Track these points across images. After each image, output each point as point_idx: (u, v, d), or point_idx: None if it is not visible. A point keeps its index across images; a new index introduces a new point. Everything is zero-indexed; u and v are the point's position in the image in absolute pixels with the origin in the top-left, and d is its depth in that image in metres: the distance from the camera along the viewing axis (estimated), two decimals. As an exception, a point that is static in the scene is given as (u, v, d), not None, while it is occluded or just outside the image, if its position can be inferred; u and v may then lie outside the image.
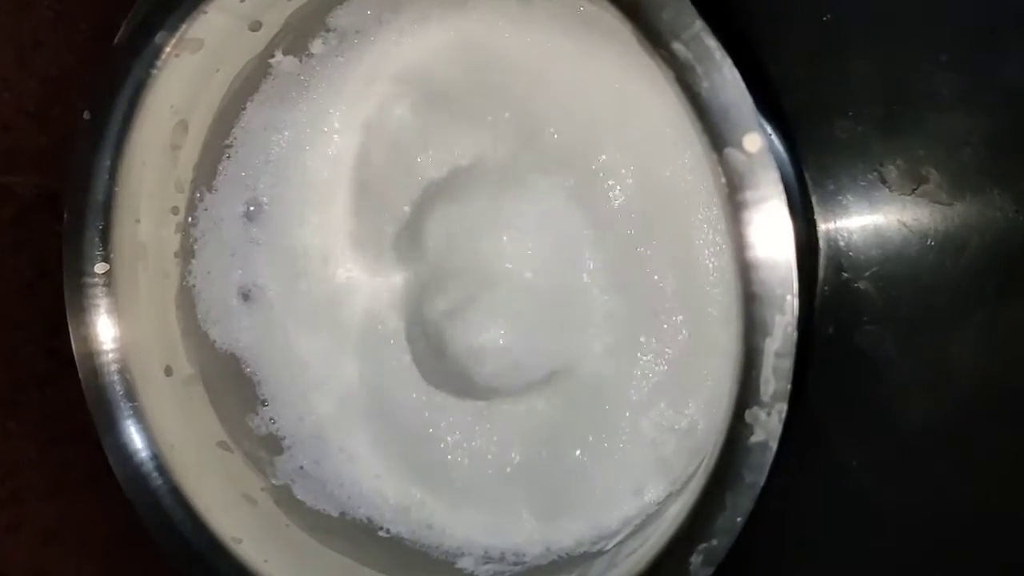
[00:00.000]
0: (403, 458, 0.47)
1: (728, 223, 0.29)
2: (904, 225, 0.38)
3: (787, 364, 0.28)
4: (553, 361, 0.44)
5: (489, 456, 0.46)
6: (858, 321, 0.39)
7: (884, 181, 0.39)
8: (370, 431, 0.48)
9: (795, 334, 0.28)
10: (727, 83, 0.28)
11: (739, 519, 0.29)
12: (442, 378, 0.46)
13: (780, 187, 0.28)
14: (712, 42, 0.28)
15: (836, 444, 0.40)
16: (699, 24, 0.28)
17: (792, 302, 0.28)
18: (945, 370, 0.38)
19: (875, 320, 0.39)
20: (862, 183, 0.39)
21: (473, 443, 0.46)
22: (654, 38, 0.29)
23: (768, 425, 0.28)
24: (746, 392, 0.29)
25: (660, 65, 0.29)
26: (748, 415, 0.29)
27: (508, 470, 0.45)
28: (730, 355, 0.40)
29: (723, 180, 0.29)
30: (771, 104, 0.39)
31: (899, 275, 0.38)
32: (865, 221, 0.39)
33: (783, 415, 0.28)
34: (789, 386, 0.28)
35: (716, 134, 0.28)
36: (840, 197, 0.39)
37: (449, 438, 0.46)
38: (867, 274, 0.39)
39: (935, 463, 0.39)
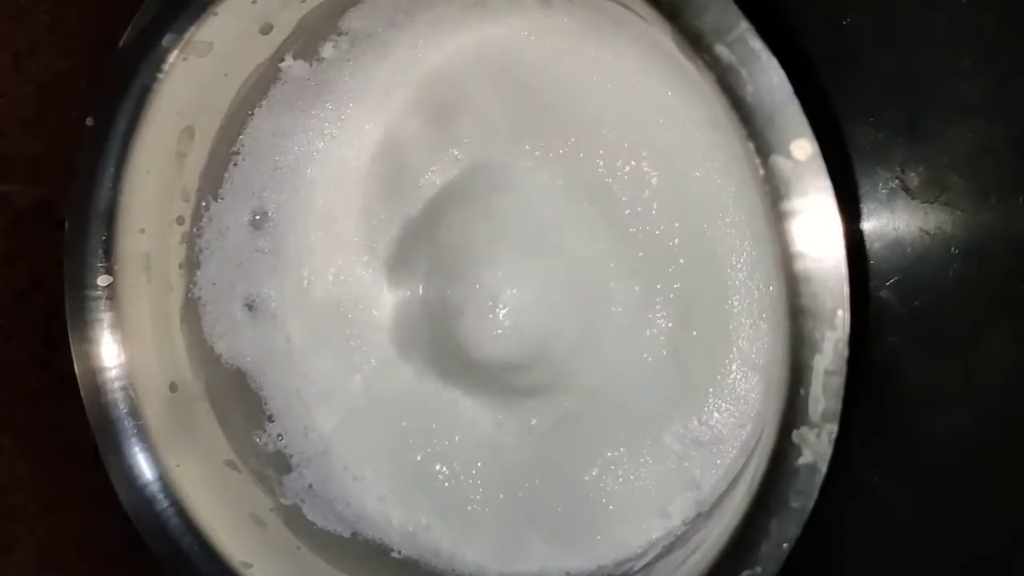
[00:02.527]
0: (409, 479, 0.46)
1: (771, 232, 0.28)
2: (927, 233, 0.37)
3: (838, 382, 0.27)
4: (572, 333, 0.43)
5: (500, 477, 0.45)
6: (880, 332, 0.38)
7: (906, 188, 0.38)
8: (375, 450, 0.47)
9: (846, 351, 0.27)
10: (773, 87, 0.27)
11: (785, 545, 0.28)
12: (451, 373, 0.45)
13: (831, 196, 0.27)
14: (758, 44, 0.27)
15: (859, 458, 0.39)
16: (744, 25, 0.27)
17: (844, 317, 0.27)
18: (970, 382, 0.37)
19: (897, 331, 0.38)
20: (883, 190, 0.38)
21: (483, 462, 0.45)
22: (695, 40, 0.28)
23: (817, 446, 0.27)
24: (793, 411, 0.28)
25: (700, 69, 0.28)
26: (795, 435, 0.28)
27: (520, 494, 0.44)
28: (758, 366, 0.40)
29: (767, 188, 0.27)
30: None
31: (922, 285, 0.37)
32: (886, 229, 0.38)
33: (833, 436, 0.27)
34: (840, 405, 0.27)
35: (761, 140, 0.27)
36: (861, 205, 0.38)
37: (457, 458, 0.45)
38: (889, 284, 0.38)
39: (961, 478, 0.38)
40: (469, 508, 0.45)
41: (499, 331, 0.43)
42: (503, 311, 0.43)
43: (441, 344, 0.45)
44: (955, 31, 0.36)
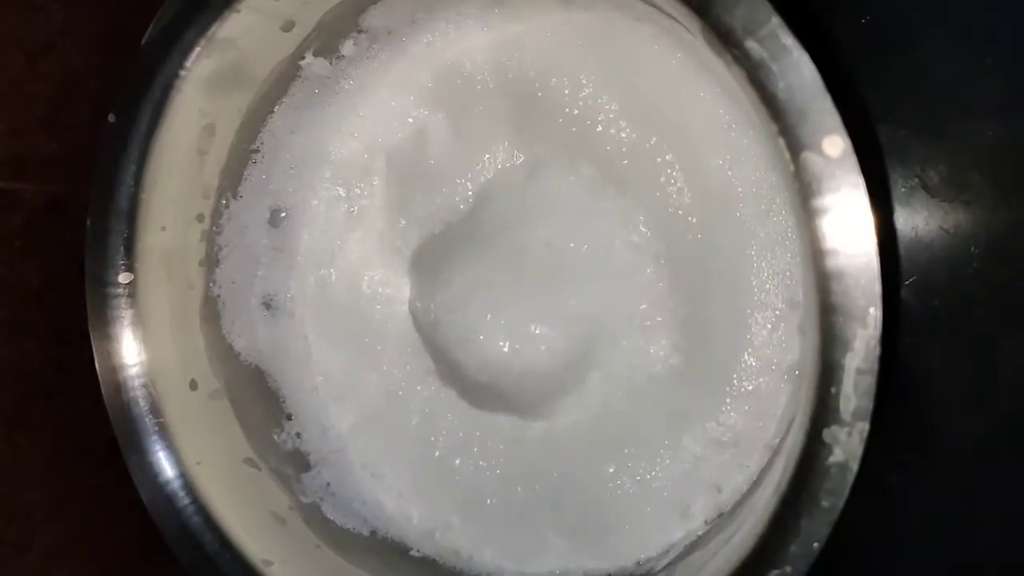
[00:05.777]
0: (427, 477, 0.46)
1: (802, 229, 0.28)
2: (946, 232, 0.37)
3: (870, 381, 0.27)
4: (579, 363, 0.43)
5: (518, 474, 0.44)
6: (899, 332, 0.38)
7: (925, 187, 0.37)
8: (393, 448, 0.46)
9: (878, 349, 0.27)
10: (805, 83, 0.27)
11: (815, 545, 0.28)
12: (466, 390, 0.45)
13: (864, 193, 0.27)
14: (789, 39, 0.27)
15: (876, 459, 0.39)
16: (775, 20, 0.27)
17: (876, 315, 0.27)
18: (989, 382, 0.37)
19: (916, 331, 0.37)
20: (902, 189, 0.37)
21: (500, 461, 0.45)
22: (725, 36, 0.28)
23: (848, 445, 0.27)
24: (824, 409, 0.28)
25: (729, 64, 0.28)
26: (826, 434, 0.27)
27: (539, 491, 0.44)
28: (778, 365, 0.39)
29: (797, 184, 0.27)
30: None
31: (941, 284, 0.37)
32: (906, 228, 0.38)
33: (865, 435, 0.27)
34: (872, 404, 0.27)
35: (792, 136, 0.27)
36: (880, 203, 0.38)
37: (475, 456, 0.45)
38: (908, 283, 0.38)
39: (979, 478, 0.37)
40: (487, 504, 0.44)
41: (508, 358, 0.42)
42: (516, 339, 0.42)
43: (447, 362, 0.45)
44: (976, 27, 0.36)
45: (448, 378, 0.45)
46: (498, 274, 0.43)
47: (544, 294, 0.42)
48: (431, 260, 0.45)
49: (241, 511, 0.41)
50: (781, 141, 0.27)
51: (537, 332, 0.42)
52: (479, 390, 0.44)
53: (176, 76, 0.39)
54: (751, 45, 0.28)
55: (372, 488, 0.46)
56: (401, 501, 0.46)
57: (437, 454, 0.45)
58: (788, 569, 0.28)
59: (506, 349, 0.42)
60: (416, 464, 0.46)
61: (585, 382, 0.43)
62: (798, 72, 0.27)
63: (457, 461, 0.45)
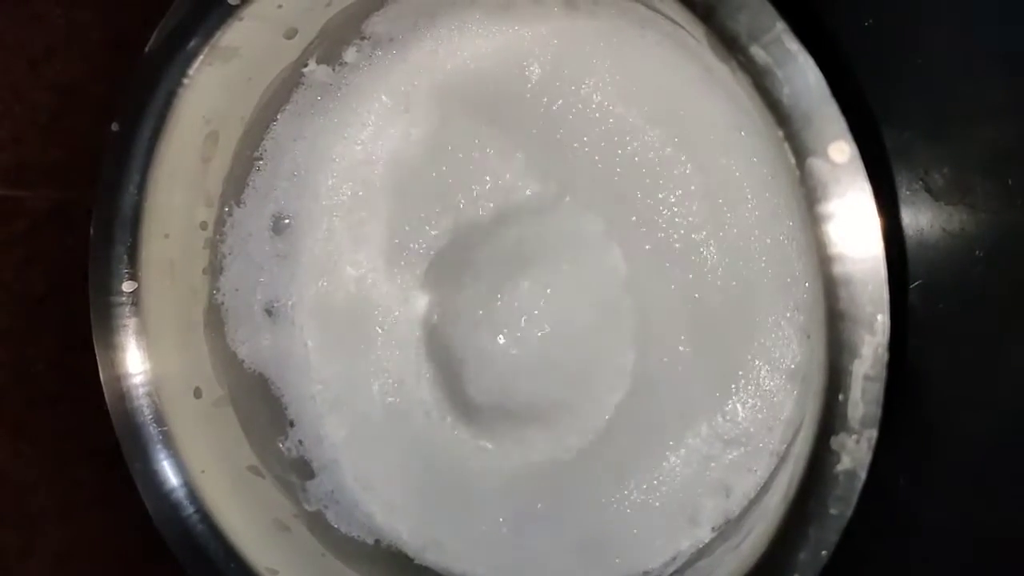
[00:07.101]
0: (418, 494, 0.45)
1: (808, 235, 0.28)
2: (950, 235, 0.37)
3: (878, 388, 0.27)
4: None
5: (514, 492, 0.44)
6: (903, 336, 0.37)
7: (929, 190, 0.37)
8: (385, 461, 0.46)
9: (886, 356, 0.26)
10: (810, 88, 0.27)
11: (824, 553, 0.28)
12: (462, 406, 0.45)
13: (871, 198, 0.27)
14: (795, 45, 0.27)
15: (882, 462, 0.39)
16: (780, 26, 0.27)
17: (884, 321, 0.27)
18: (994, 385, 0.37)
19: (920, 335, 0.37)
20: (906, 192, 0.37)
21: (496, 474, 0.44)
22: (730, 41, 0.28)
23: (857, 453, 0.27)
24: (831, 416, 0.27)
25: (734, 70, 0.28)
26: (834, 442, 0.27)
27: (539, 506, 0.43)
28: (783, 366, 0.39)
29: (803, 190, 0.27)
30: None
31: (945, 287, 0.37)
32: (910, 232, 0.37)
33: (873, 442, 0.27)
34: (880, 411, 0.27)
35: (798, 142, 0.27)
36: (884, 206, 0.38)
37: (468, 473, 0.45)
38: (912, 286, 0.37)
39: (986, 481, 0.37)
40: (483, 523, 0.44)
41: (508, 376, 0.43)
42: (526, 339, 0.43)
43: (448, 382, 0.45)
44: (982, 29, 0.36)
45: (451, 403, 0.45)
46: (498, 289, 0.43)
47: (546, 302, 0.42)
48: (445, 273, 0.45)
49: (245, 519, 0.41)
50: (787, 147, 0.27)
51: (541, 338, 0.42)
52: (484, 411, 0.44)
53: (179, 84, 0.39)
54: (756, 51, 0.28)
55: (365, 500, 0.46)
56: (392, 516, 0.45)
57: (429, 473, 0.45)
58: (796, 577, 0.28)
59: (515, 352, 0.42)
60: (407, 480, 0.46)
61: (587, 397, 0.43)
62: (803, 77, 0.27)
63: (448, 481, 0.45)
